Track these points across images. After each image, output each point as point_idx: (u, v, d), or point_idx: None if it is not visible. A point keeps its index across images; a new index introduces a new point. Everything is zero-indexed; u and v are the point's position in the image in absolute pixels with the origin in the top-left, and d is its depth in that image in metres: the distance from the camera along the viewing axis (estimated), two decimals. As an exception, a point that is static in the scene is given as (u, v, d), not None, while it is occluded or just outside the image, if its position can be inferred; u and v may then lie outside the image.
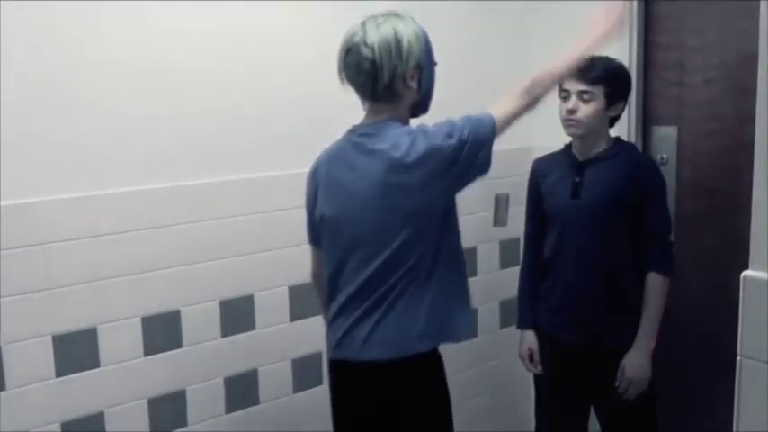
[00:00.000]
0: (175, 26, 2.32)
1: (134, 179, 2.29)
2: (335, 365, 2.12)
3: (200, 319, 2.46)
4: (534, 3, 3.13)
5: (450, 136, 1.92)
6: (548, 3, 3.09)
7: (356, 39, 1.94)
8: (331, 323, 2.10)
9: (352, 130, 2.04)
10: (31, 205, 2.12)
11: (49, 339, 2.18)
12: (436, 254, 1.99)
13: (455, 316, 2.04)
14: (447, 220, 2.02)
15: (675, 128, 2.86)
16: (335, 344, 2.07)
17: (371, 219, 1.95)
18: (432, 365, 2.06)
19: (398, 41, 1.92)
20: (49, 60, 2.12)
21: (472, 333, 2.09)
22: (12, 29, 2.04)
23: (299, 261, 2.61)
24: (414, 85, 1.98)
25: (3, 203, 2.07)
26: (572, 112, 2.38)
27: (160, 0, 2.29)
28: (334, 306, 2.07)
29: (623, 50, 2.82)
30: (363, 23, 1.96)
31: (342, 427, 2.16)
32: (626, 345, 2.42)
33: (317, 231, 2.12)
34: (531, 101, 2.04)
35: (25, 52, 2.08)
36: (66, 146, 2.17)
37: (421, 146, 1.91)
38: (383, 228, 1.94)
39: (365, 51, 1.92)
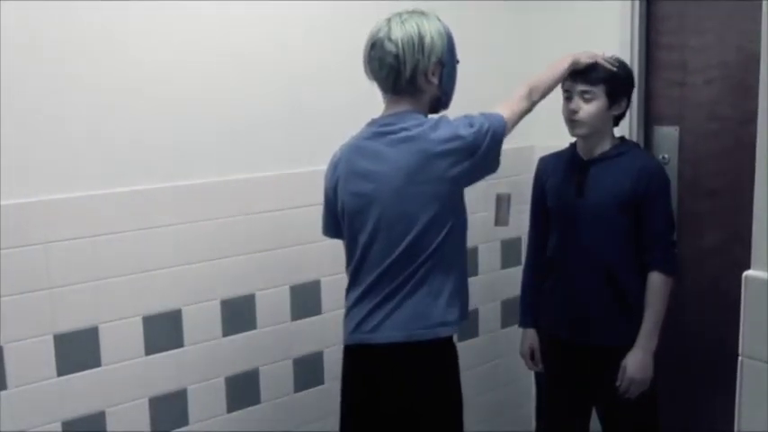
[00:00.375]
0: (176, 24, 2.32)
1: (135, 178, 2.29)
2: (350, 350, 2.15)
3: (201, 319, 2.46)
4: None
5: (471, 125, 2.01)
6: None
7: (381, 34, 2.02)
8: (349, 311, 2.13)
9: (372, 122, 2.11)
10: (32, 205, 2.12)
11: (50, 338, 2.18)
12: (456, 242, 2.07)
13: (465, 305, 2.14)
14: (462, 209, 2.10)
15: (677, 128, 2.86)
16: (352, 329, 2.10)
17: (394, 204, 2.01)
18: (448, 352, 2.10)
19: (421, 38, 2.00)
20: (49, 60, 2.12)
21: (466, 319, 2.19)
22: (11, 27, 2.04)
23: (300, 261, 2.63)
24: (435, 80, 2.05)
25: (3, 203, 2.07)
26: (574, 112, 2.38)
27: (169, 0, 2.30)
28: (355, 294, 2.11)
29: (625, 50, 2.82)
30: (388, 20, 2.04)
31: (350, 415, 2.17)
32: (628, 344, 2.42)
33: (339, 224, 2.16)
34: (531, 105, 2.19)
35: (24, 52, 2.08)
36: (66, 146, 2.16)
37: (444, 132, 1.99)
38: (406, 212, 2.00)
39: (389, 46, 2.00)
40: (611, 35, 2.87)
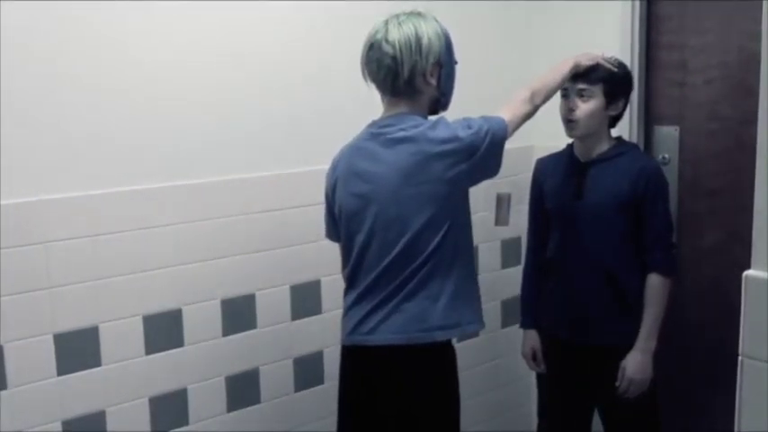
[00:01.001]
0: (177, 24, 2.32)
1: (135, 178, 2.29)
2: (348, 351, 2.15)
3: (201, 318, 2.45)
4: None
5: (469, 127, 2.01)
6: None
7: (378, 36, 2.02)
8: (347, 312, 2.13)
9: (372, 124, 2.11)
10: (32, 204, 2.12)
11: (50, 338, 2.18)
12: (456, 245, 2.05)
13: (474, 310, 2.12)
14: (463, 211, 2.09)
15: (677, 127, 2.86)
16: (350, 330, 2.10)
17: (391, 205, 2.00)
18: (446, 356, 2.10)
19: (419, 39, 2.00)
20: (49, 60, 2.12)
21: (482, 326, 2.15)
22: (10, 27, 2.03)
23: (300, 260, 2.63)
24: (433, 81, 2.05)
25: (3, 202, 2.07)
26: (571, 110, 2.38)
27: (169, 0, 2.29)
28: (353, 295, 2.11)
29: (625, 50, 2.82)
30: (386, 22, 2.04)
31: (347, 415, 2.17)
32: (628, 344, 2.42)
33: (338, 226, 2.16)
34: (533, 108, 2.18)
35: (24, 52, 2.07)
36: (66, 146, 2.16)
37: (442, 134, 1.99)
38: (402, 213, 2.00)
39: (386, 48, 2.00)
40: (612, 35, 2.87)
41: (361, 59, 2.08)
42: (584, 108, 2.38)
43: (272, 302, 2.60)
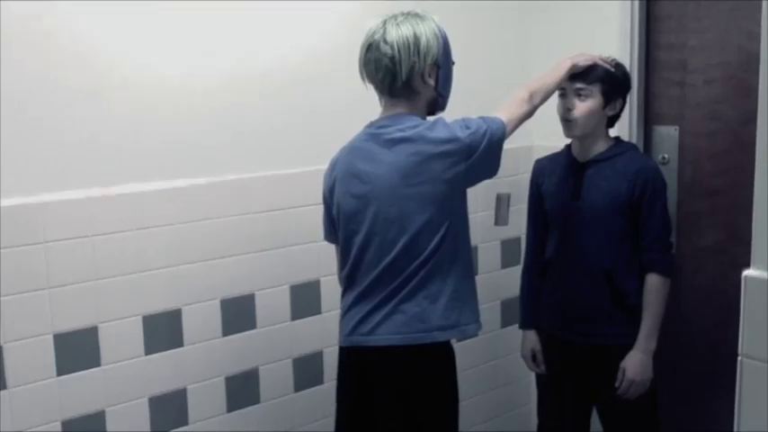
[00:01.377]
0: (178, 24, 2.32)
1: (134, 179, 2.29)
2: (347, 352, 2.14)
3: (201, 318, 2.46)
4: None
5: (468, 128, 2.01)
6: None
7: (377, 36, 2.02)
8: (345, 313, 2.13)
9: (369, 124, 2.10)
10: (32, 205, 2.12)
11: (49, 338, 2.18)
12: (455, 245, 2.05)
13: (472, 311, 2.12)
14: (462, 211, 2.08)
15: (677, 127, 2.86)
16: (349, 331, 2.09)
17: (389, 205, 2.00)
18: (446, 356, 2.10)
19: (417, 39, 2.00)
20: (50, 60, 2.12)
21: (480, 327, 2.16)
22: (11, 27, 2.04)
23: (300, 260, 2.63)
24: (431, 82, 2.05)
25: (3, 203, 2.07)
26: (569, 110, 2.38)
27: (168, 1, 2.29)
28: (351, 296, 2.10)
29: (625, 50, 2.82)
30: (384, 22, 2.03)
31: (346, 416, 2.17)
32: (627, 345, 2.42)
33: (336, 227, 2.15)
34: (532, 108, 2.18)
35: (25, 51, 2.08)
36: (66, 145, 2.17)
37: (440, 134, 1.99)
38: (400, 214, 1.99)
39: (385, 48, 2.00)
40: (611, 35, 2.87)
41: (359, 60, 2.08)
42: (582, 107, 2.37)
43: (272, 302, 2.60)
